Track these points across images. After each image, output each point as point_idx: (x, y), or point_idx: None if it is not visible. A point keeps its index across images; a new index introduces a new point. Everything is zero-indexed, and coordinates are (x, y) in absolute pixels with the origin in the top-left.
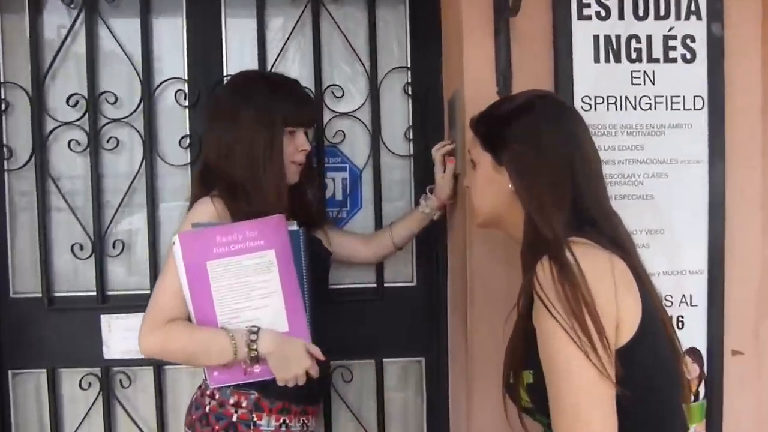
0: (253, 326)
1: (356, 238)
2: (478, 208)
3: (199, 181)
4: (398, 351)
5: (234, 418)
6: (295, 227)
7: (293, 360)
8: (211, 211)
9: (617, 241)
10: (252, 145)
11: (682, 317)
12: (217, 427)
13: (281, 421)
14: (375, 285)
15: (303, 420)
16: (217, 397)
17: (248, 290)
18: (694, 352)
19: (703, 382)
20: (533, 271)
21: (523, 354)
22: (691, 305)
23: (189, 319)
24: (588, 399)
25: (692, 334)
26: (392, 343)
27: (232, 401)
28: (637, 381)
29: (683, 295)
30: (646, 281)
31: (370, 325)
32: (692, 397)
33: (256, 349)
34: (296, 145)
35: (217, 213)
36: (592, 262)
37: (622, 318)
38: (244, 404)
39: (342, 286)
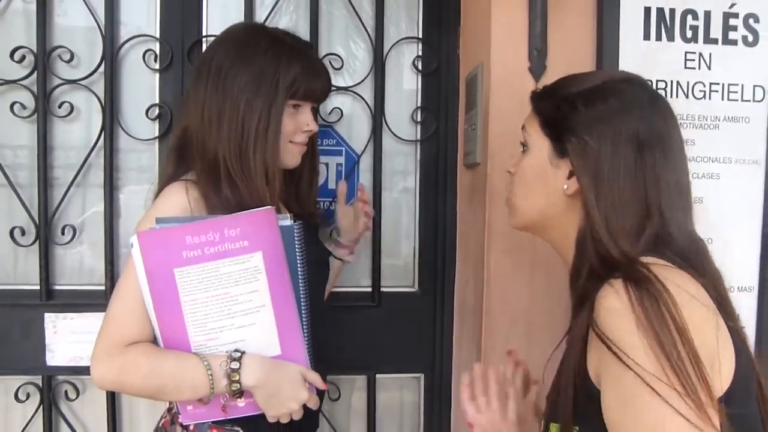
0: (236, 351)
1: None
2: (520, 206)
3: (173, 156)
4: (394, 366)
5: None
6: (288, 221)
7: (287, 392)
8: (182, 201)
9: (701, 271)
10: (244, 115)
11: None
12: None
13: None
14: (371, 289)
15: None
16: (191, 428)
17: (229, 304)
18: None
19: None
20: (592, 303)
21: (572, 406)
22: None
23: (156, 341)
24: None
25: None
26: (388, 357)
27: None
28: None
29: None
30: (736, 323)
31: (363, 335)
32: None
33: (238, 381)
34: (299, 123)
35: (190, 205)
36: (682, 284)
37: (721, 360)
38: None
39: (332, 289)
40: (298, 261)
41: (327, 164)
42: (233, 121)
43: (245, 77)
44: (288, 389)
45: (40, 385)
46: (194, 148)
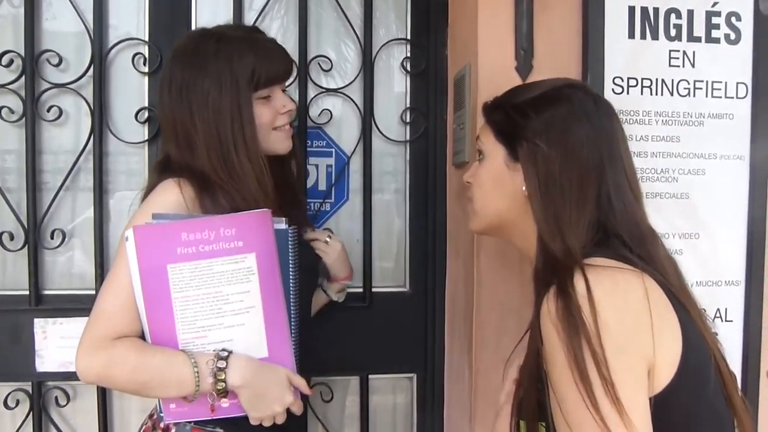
0: (223, 350)
1: None
2: (480, 211)
3: (158, 172)
4: (386, 366)
5: None
6: (283, 225)
7: (272, 395)
8: (177, 198)
9: (654, 265)
10: (216, 123)
11: (716, 334)
12: None
13: None
14: (362, 290)
15: None
16: (172, 431)
17: (220, 303)
18: None
19: None
20: (540, 303)
21: (535, 402)
22: (725, 320)
23: (143, 337)
24: None
25: (727, 354)
26: (380, 357)
27: None
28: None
29: (717, 309)
30: (691, 310)
31: (355, 336)
32: None
33: (224, 380)
34: (276, 108)
35: (185, 202)
36: (612, 290)
37: (657, 360)
38: None
39: None
40: (291, 265)
41: (317, 166)
42: (208, 133)
43: (205, 86)
44: (273, 391)
45: (30, 391)
46: (179, 167)
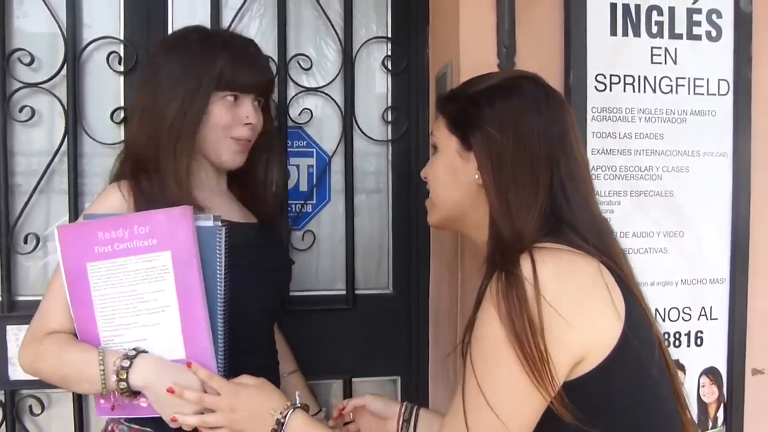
0: (134, 349)
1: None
2: (436, 203)
3: (119, 161)
4: (370, 369)
5: None
6: (209, 223)
7: (176, 398)
8: (117, 199)
9: (608, 254)
10: (163, 106)
11: (701, 332)
12: None
13: None
14: (344, 292)
15: None
16: (109, 428)
17: (135, 302)
18: (712, 372)
19: (722, 406)
20: (485, 286)
21: None
22: (710, 318)
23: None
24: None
25: (711, 352)
26: (364, 360)
27: None
28: (611, 413)
29: (702, 307)
30: (640, 300)
31: (339, 339)
32: (710, 424)
33: (126, 380)
34: (238, 115)
35: (126, 202)
36: (556, 271)
37: (591, 339)
38: None
39: (306, 293)
40: (218, 264)
41: (298, 166)
42: (152, 112)
43: (173, 71)
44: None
45: (3, 400)
46: (135, 156)
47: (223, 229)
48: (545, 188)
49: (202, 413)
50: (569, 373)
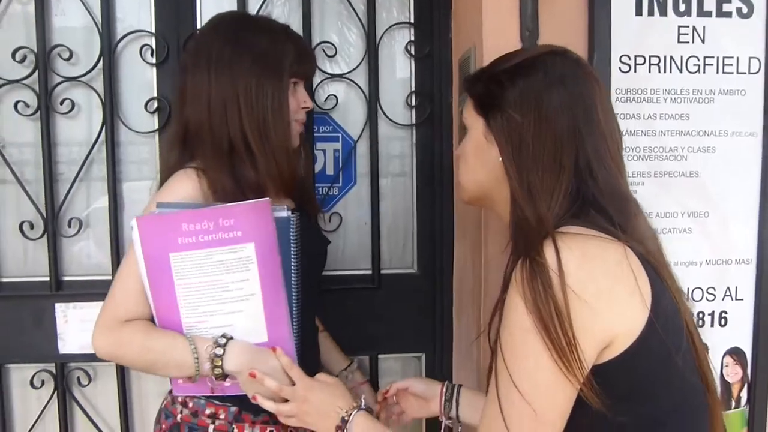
0: (223, 336)
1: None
2: (463, 182)
3: (177, 147)
4: (396, 346)
5: (210, 430)
6: (284, 213)
7: (267, 380)
8: (194, 186)
9: (634, 235)
10: (257, 96)
11: (726, 312)
12: None
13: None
14: (371, 272)
15: (291, 430)
16: (189, 405)
17: (220, 291)
18: (736, 353)
19: (746, 386)
20: (514, 269)
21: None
22: (736, 299)
23: (152, 319)
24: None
25: (736, 332)
26: (389, 337)
27: (207, 412)
28: (637, 400)
29: (728, 288)
30: (669, 283)
31: (365, 317)
32: (732, 403)
33: (221, 367)
34: (299, 101)
35: (202, 190)
36: (581, 260)
37: (618, 327)
38: (222, 416)
39: (333, 273)
40: (293, 253)
41: (324, 151)
42: (247, 104)
43: (249, 60)
44: (274, 377)
45: (54, 372)
46: (202, 139)
47: (296, 218)
48: (569, 169)
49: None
50: (596, 359)
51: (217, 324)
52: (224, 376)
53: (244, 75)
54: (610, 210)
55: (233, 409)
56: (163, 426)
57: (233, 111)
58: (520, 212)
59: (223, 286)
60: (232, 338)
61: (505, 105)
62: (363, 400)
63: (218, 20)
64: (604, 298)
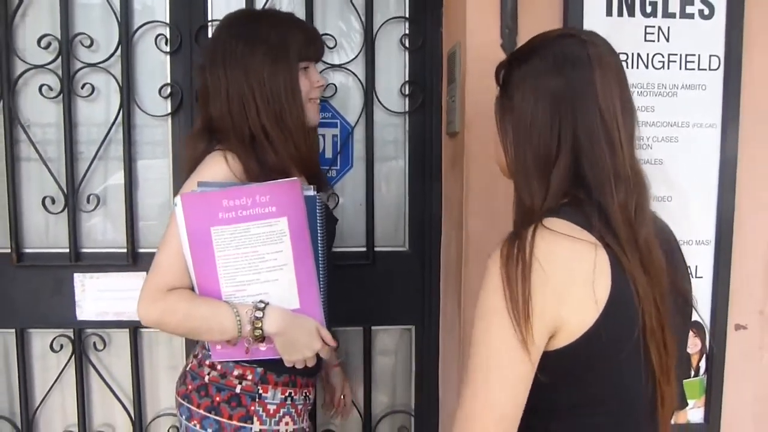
0: (261, 301)
1: None
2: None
3: (204, 135)
4: (387, 319)
5: (237, 390)
6: (311, 192)
7: (302, 341)
8: (224, 168)
9: (616, 223)
10: (270, 85)
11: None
12: (218, 399)
13: (287, 393)
14: (365, 249)
15: (306, 392)
16: (218, 368)
17: (256, 261)
18: (696, 326)
19: (704, 356)
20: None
21: None
22: (696, 277)
23: (193, 288)
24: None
25: (696, 307)
26: (381, 311)
27: (236, 373)
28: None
29: (688, 267)
30: (634, 276)
31: (359, 291)
32: (692, 373)
33: (261, 328)
34: (311, 81)
35: (231, 170)
36: (547, 257)
37: (563, 321)
38: (249, 377)
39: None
40: (318, 228)
41: (324, 135)
42: (263, 95)
43: (260, 52)
44: (303, 339)
45: (72, 337)
46: (225, 130)
47: (320, 197)
48: (565, 154)
49: None
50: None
51: (254, 292)
52: (263, 337)
53: (255, 68)
54: (600, 198)
55: (259, 370)
56: (189, 386)
57: (250, 103)
58: (519, 196)
59: (259, 257)
60: (268, 303)
61: (511, 89)
62: None
63: (228, 19)
64: (562, 292)
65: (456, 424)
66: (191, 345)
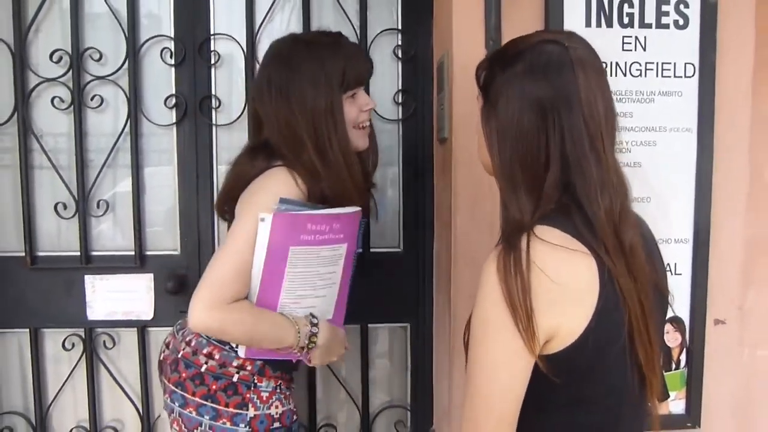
0: (311, 315)
1: None
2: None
3: (257, 155)
4: (383, 316)
5: (235, 379)
6: (365, 219)
7: (334, 351)
8: (293, 186)
9: (601, 227)
10: (313, 118)
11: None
12: (214, 387)
13: (278, 383)
14: (361, 250)
15: (290, 385)
16: (216, 357)
17: (315, 279)
18: (676, 321)
19: (684, 350)
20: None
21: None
22: (675, 274)
23: (246, 297)
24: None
25: (676, 303)
26: (378, 309)
27: (235, 363)
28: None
29: (668, 264)
30: (621, 286)
31: (356, 290)
32: (673, 365)
33: (315, 342)
34: (360, 106)
35: (300, 189)
36: (543, 267)
37: (555, 330)
38: (248, 368)
39: None
40: (358, 248)
41: None
42: (309, 130)
43: (302, 86)
44: (336, 348)
45: (83, 336)
46: (280, 154)
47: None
48: (556, 162)
49: None
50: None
51: (306, 305)
52: (310, 349)
53: (299, 101)
54: (587, 204)
55: (259, 362)
56: (183, 374)
57: (299, 136)
58: (505, 205)
59: (319, 275)
60: (316, 318)
61: (492, 94)
62: None
63: (272, 50)
64: (554, 302)
65: (462, 430)
66: None
